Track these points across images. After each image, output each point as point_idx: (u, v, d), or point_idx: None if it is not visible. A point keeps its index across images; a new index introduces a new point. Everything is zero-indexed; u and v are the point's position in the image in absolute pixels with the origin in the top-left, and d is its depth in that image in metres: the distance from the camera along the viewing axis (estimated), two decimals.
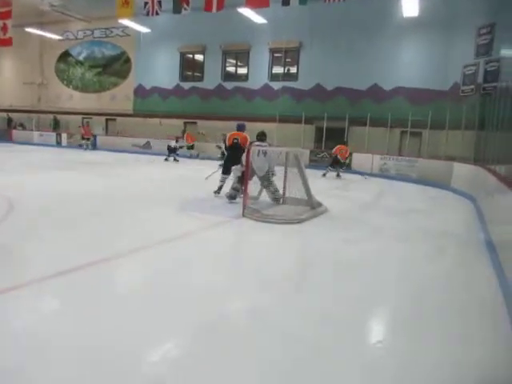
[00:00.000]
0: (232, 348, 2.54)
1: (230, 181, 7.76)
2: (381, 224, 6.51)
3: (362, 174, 14.11)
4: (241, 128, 8.18)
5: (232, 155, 7.73)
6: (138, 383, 2.16)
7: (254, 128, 17.16)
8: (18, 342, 2.46)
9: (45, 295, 3.23)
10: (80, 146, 20.68)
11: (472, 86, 13.07)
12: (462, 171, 10.97)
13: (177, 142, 16.34)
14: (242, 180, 7.11)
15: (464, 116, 12.21)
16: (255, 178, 7.16)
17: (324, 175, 13.28)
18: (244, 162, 6.85)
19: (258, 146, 7.29)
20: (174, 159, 15.96)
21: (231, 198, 7.50)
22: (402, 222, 6.79)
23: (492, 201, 6.43)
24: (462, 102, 13.02)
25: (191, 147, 18.10)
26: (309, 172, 7.66)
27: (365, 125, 15.82)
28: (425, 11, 13.75)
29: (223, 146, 9.13)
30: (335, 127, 16.65)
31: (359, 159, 15.58)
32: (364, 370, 2.40)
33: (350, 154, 14.22)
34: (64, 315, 2.91)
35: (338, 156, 13.33)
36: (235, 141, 7.80)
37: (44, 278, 3.43)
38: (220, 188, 7.97)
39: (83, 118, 23.11)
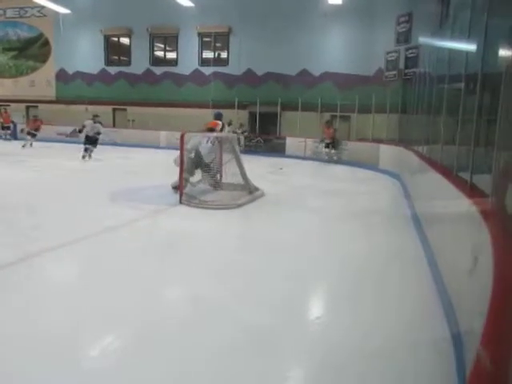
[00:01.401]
0: (169, 337, 2.54)
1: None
2: (314, 205, 6.75)
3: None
4: (218, 116, 8.01)
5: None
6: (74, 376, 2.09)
7: (186, 114, 17.01)
8: None
9: None
10: None
11: (394, 72, 13.82)
12: (388, 152, 11.63)
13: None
14: (188, 169, 6.91)
15: (388, 100, 12.88)
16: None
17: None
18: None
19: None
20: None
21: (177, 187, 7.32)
22: (335, 203, 7.08)
23: (415, 178, 6.90)
24: (386, 87, 13.73)
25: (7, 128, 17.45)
26: (244, 157, 7.70)
27: (297, 109, 16.17)
28: None
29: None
30: (268, 112, 16.86)
31: (292, 143, 15.93)
32: (304, 348, 2.50)
33: (335, 131, 14.36)
34: None
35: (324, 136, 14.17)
36: (209, 128, 7.60)
37: None
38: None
39: (0, 105, 21.32)
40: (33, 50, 21.27)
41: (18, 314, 2.71)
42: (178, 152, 6.75)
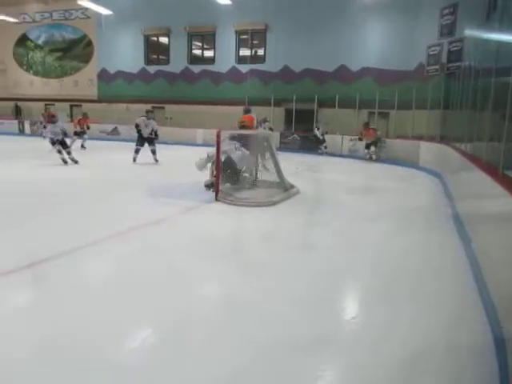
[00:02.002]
0: (206, 333, 2.54)
1: None
2: (351, 203, 6.62)
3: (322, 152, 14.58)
4: (247, 111, 8.14)
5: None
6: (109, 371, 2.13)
7: (222, 112, 17.13)
8: None
9: (16, 286, 3.13)
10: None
11: (436, 66, 13.34)
12: (429, 149, 11.25)
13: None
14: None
15: (430, 96, 12.46)
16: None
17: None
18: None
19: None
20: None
21: (210, 186, 7.38)
22: (372, 201, 6.91)
23: (457, 176, 6.63)
24: (427, 82, 13.29)
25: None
26: (279, 155, 7.66)
27: (333, 106, 15.94)
28: None
29: None
30: (304, 109, 16.71)
31: (329, 140, 15.73)
32: (337, 350, 2.45)
33: (375, 130, 13.84)
34: (34, 307, 2.84)
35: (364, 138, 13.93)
36: (242, 124, 7.52)
37: (15, 269, 3.31)
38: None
39: (46, 104, 22.28)
40: (77, 50, 22.07)
41: (56, 308, 2.80)
42: (201, 156, 6.82)
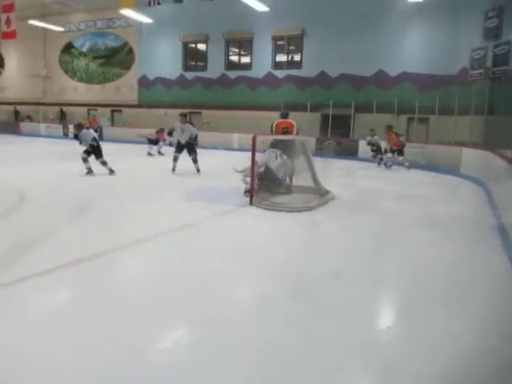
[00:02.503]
0: (236, 338, 2.53)
1: None
2: (389, 210, 6.46)
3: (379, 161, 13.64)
4: (286, 115, 7.68)
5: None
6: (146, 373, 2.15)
7: (258, 117, 17.19)
8: (31, 332, 2.46)
9: (55, 286, 3.23)
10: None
11: (481, 70, 12.85)
12: (472, 156, 10.83)
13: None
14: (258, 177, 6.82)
15: (473, 101, 12.02)
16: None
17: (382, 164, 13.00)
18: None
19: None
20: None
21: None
22: (411, 208, 6.73)
23: (503, 185, 6.35)
24: (470, 87, 12.83)
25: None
26: (315, 160, 7.59)
27: (371, 111, 15.68)
28: None
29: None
30: (341, 114, 16.52)
31: (365, 146, 15.44)
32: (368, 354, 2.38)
33: (397, 135, 12.78)
34: (71, 307, 2.91)
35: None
36: (285, 130, 7.30)
37: (55, 267, 3.42)
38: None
39: (88, 109, 23.11)
40: (118, 57, 22.79)
41: (92, 308, 2.87)
42: (244, 172, 6.81)
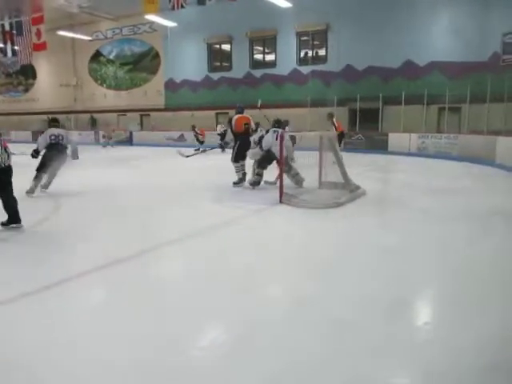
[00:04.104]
0: (273, 337, 2.53)
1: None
2: (421, 205, 6.30)
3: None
4: (242, 111, 7.91)
5: (246, 141, 7.59)
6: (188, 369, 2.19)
7: (284, 114, 17.13)
8: (80, 328, 2.55)
9: (98, 285, 3.33)
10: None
11: None
12: (508, 145, 10.45)
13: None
14: (261, 164, 7.40)
15: (506, 87, 11.59)
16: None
17: None
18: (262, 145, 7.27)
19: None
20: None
21: (255, 184, 7.48)
22: (444, 202, 6.54)
23: None
24: (503, 73, 12.38)
25: None
26: (344, 155, 7.51)
27: (400, 103, 15.35)
28: None
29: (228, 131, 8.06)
30: (369, 108, 16.26)
31: (395, 139, 15.17)
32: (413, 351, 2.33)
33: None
34: (115, 305, 3.00)
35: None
36: (246, 126, 7.63)
37: (99, 267, 3.53)
38: (244, 176, 7.72)
39: (118, 115, 23.66)
40: (145, 63, 23.22)
41: (134, 304, 2.94)
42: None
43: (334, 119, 11.08)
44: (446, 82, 14.58)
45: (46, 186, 7.09)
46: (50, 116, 9.14)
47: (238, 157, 7.67)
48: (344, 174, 6.99)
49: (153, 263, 3.87)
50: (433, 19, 15.17)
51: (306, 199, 6.31)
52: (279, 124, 7.58)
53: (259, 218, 5.70)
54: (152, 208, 6.23)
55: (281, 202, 6.28)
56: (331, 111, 12.20)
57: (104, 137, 20.95)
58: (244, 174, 7.76)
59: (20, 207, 4.83)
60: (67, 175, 7.45)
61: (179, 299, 3.05)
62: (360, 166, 10.16)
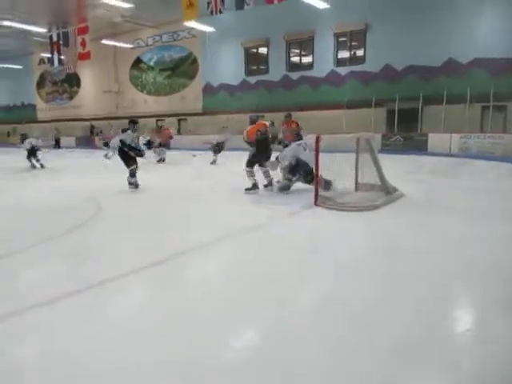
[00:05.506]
0: (305, 339, 2.55)
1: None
2: (463, 207, 6.10)
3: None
4: (254, 122, 8.03)
5: (260, 147, 7.56)
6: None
7: (321, 116, 17.05)
8: (110, 331, 2.67)
9: (132, 288, 3.46)
10: None
11: None
12: None
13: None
14: (292, 170, 7.32)
15: None
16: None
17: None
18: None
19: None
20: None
21: (285, 189, 7.45)
22: (487, 204, 6.31)
23: None
24: None
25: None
26: (382, 157, 7.38)
27: (441, 103, 14.93)
28: None
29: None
30: (408, 108, 15.91)
31: (435, 139, 14.75)
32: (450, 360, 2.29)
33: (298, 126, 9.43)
34: (150, 306, 3.11)
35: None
36: (258, 132, 7.59)
37: (134, 270, 3.67)
38: (256, 183, 7.58)
39: (157, 120, 24.28)
40: (183, 68, 23.74)
41: (164, 304, 3.04)
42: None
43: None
44: (491, 79, 14.03)
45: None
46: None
47: (250, 163, 7.62)
48: (381, 175, 6.88)
49: (184, 266, 3.95)
50: (475, 15, 14.66)
51: (342, 202, 6.26)
52: (298, 136, 7.64)
53: (293, 220, 5.69)
54: (188, 210, 6.37)
55: (316, 204, 6.26)
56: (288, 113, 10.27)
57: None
58: (256, 181, 7.61)
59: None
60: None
61: (210, 302, 3.11)
62: (398, 168, 9.95)
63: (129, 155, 8.05)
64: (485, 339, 2.47)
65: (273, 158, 7.68)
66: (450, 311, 2.93)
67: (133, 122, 8.36)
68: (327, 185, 7.01)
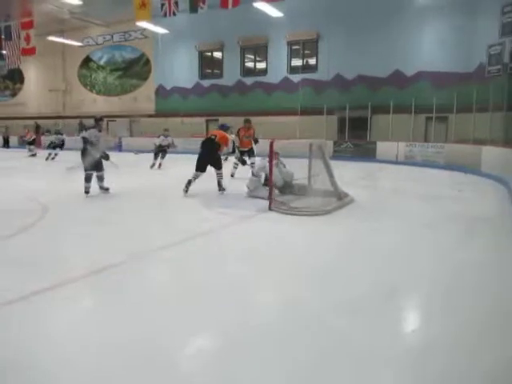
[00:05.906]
0: (262, 343, 2.57)
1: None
2: (409, 211, 6.42)
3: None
4: (223, 127, 8.27)
5: (203, 151, 7.73)
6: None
7: (275, 121, 17.25)
8: (63, 337, 2.55)
9: (82, 294, 3.33)
10: None
11: (498, 66, 12.68)
12: (492, 155, 10.66)
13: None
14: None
15: (491, 97, 11.85)
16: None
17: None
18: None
19: None
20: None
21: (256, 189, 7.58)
22: (431, 209, 6.66)
23: None
24: (488, 83, 12.65)
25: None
26: (333, 163, 7.59)
27: (388, 112, 15.59)
28: None
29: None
30: (358, 116, 16.48)
31: (383, 147, 15.37)
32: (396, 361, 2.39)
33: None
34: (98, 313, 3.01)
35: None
36: (212, 137, 7.77)
37: (81, 276, 3.53)
38: (189, 184, 7.63)
39: (108, 120, 23.54)
40: (135, 69, 23.25)
41: (121, 312, 2.95)
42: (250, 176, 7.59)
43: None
44: (434, 92, 14.84)
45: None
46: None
47: (200, 166, 7.71)
48: (332, 181, 7.07)
49: (140, 270, 3.86)
50: (421, 30, 15.47)
51: (295, 206, 6.36)
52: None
53: (244, 224, 5.72)
54: (135, 216, 6.22)
55: (270, 209, 6.32)
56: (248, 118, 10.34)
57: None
58: (189, 183, 7.66)
59: None
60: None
61: (168, 306, 3.06)
62: (348, 174, 10.26)
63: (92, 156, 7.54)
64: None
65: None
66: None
67: (98, 119, 7.86)
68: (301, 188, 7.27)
